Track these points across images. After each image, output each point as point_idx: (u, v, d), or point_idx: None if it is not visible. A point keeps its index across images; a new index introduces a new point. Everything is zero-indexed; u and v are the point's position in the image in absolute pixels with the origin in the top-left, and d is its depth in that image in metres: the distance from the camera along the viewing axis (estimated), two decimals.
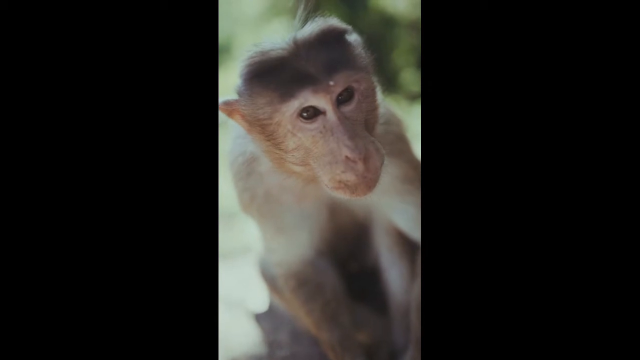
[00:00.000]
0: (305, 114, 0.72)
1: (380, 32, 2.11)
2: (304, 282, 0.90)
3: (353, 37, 0.79)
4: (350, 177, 0.72)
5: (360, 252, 0.98)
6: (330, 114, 0.73)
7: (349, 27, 0.77)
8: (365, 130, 0.74)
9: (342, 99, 0.73)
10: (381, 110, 0.81)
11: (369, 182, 0.73)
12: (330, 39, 0.73)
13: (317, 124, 0.73)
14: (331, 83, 0.71)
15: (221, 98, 0.75)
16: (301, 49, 0.71)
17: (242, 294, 1.19)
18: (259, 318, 1.09)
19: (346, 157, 0.71)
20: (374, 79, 0.80)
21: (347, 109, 0.74)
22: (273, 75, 0.71)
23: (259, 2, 2.45)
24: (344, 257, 0.97)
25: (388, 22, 2.27)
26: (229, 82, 0.75)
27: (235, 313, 1.14)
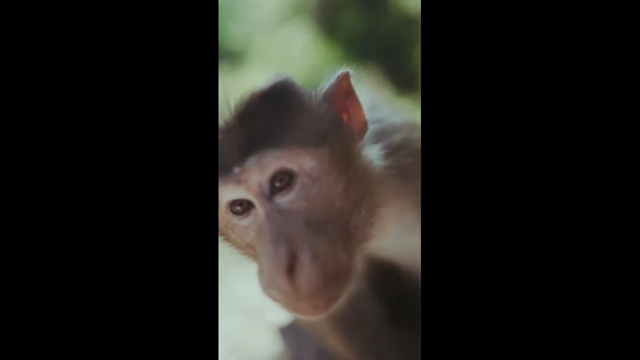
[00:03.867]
0: (238, 208, 0.60)
1: (399, 33, 2.06)
2: (342, 314, 0.72)
3: (331, 80, 0.63)
4: (275, 294, 0.57)
5: (400, 274, 0.87)
6: (258, 208, 0.59)
7: (289, 80, 0.61)
8: (318, 225, 0.57)
9: (281, 186, 0.58)
10: (401, 119, 0.71)
11: (310, 301, 0.56)
12: (261, 109, 0.59)
13: (250, 219, 0.60)
14: (235, 170, 0.57)
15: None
16: (225, 133, 0.60)
17: (264, 303, 1.14)
18: (283, 332, 1.05)
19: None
20: (350, 132, 0.62)
21: (284, 199, 0.58)
22: None
23: (277, 5, 2.41)
24: (384, 281, 0.86)
25: (408, 21, 2.23)
26: (244, 86, 0.66)
27: (256, 324, 1.10)
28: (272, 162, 0.57)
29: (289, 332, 1.03)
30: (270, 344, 1.04)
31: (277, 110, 0.60)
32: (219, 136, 0.60)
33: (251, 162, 0.57)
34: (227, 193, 0.60)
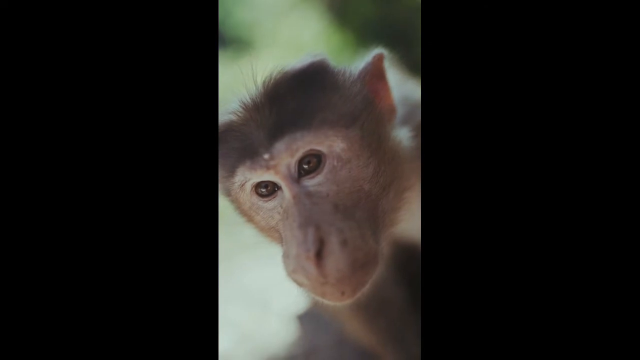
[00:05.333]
0: (263, 190, 0.58)
1: (412, 19, 2.03)
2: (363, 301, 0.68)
3: (364, 62, 0.61)
4: (301, 279, 0.55)
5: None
6: (285, 191, 0.56)
7: (325, 61, 0.58)
8: (346, 209, 0.54)
9: (309, 169, 0.56)
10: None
11: (338, 286, 0.54)
12: (293, 89, 0.56)
13: (275, 202, 0.58)
14: (265, 156, 0.54)
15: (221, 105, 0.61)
16: (252, 110, 0.56)
17: (273, 292, 1.13)
18: (299, 320, 1.03)
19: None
20: (381, 114, 0.59)
21: (312, 182, 0.56)
22: (225, 144, 0.57)
23: None
24: (406, 265, 0.84)
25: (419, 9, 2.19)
26: (249, 74, 0.62)
27: (266, 313, 1.08)
28: (302, 146, 0.55)
29: (305, 320, 1.02)
30: (281, 333, 1.02)
31: (310, 91, 0.57)
32: (244, 114, 0.58)
33: (281, 147, 0.55)
34: (254, 177, 0.58)
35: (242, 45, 2.27)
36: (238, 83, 0.61)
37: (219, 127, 0.59)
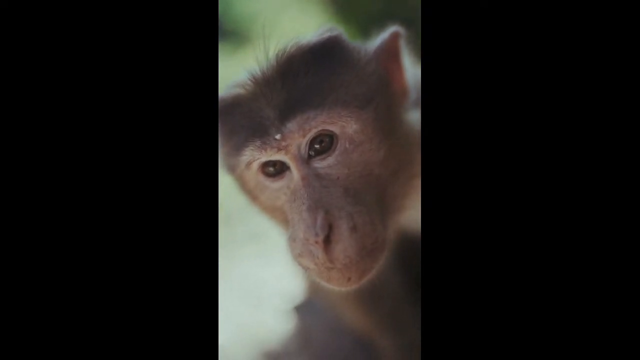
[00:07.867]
0: (271, 169, 0.55)
1: (416, 12, 2.01)
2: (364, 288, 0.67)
3: (379, 38, 0.59)
4: (307, 263, 0.53)
5: None
6: (294, 172, 0.54)
7: (341, 36, 0.56)
8: (356, 194, 0.52)
9: (320, 149, 0.54)
10: None
11: (345, 272, 0.52)
12: (306, 64, 0.54)
13: (283, 182, 0.55)
14: (276, 137, 0.52)
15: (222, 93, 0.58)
16: (262, 85, 0.54)
17: (276, 286, 1.11)
18: (294, 311, 1.01)
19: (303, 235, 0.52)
20: (396, 95, 0.57)
21: (323, 164, 0.54)
22: (232, 120, 0.55)
23: None
24: (410, 254, 0.81)
25: None
26: (247, 66, 0.59)
27: (268, 305, 1.07)
28: (314, 126, 0.53)
29: (303, 311, 1.00)
30: (280, 325, 1.00)
31: (324, 67, 0.55)
32: (254, 88, 0.55)
33: (293, 127, 0.53)
34: (263, 157, 0.55)
35: (241, 38, 2.26)
36: (237, 75, 0.59)
37: (226, 100, 0.56)
